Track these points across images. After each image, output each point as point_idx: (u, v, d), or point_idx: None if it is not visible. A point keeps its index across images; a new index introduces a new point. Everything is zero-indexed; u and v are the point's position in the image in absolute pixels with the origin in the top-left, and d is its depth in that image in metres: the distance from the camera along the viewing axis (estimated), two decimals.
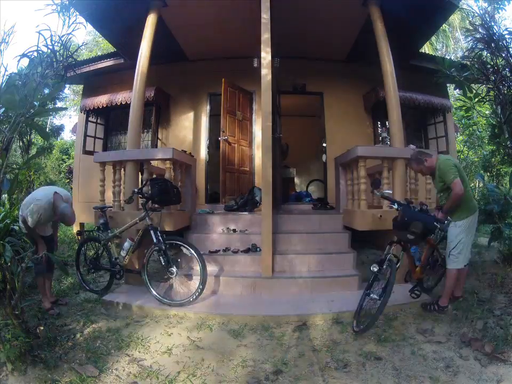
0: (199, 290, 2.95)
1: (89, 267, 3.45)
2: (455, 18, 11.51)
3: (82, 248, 3.56)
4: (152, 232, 3.06)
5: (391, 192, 3.30)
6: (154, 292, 3.01)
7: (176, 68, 5.83)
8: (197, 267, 3.08)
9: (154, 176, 4.10)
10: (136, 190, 3.19)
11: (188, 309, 2.89)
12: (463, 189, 2.74)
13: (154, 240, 3.03)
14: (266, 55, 3.56)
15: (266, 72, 3.53)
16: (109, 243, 3.38)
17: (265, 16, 3.60)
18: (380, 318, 2.75)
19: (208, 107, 5.86)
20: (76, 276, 3.53)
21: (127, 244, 3.23)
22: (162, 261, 3.02)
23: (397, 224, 2.72)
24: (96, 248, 3.51)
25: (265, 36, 3.58)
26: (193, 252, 3.01)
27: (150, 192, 3.22)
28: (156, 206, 3.29)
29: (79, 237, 3.80)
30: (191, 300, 2.93)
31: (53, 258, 2.55)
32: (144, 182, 3.40)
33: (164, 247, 3.00)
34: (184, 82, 5.79)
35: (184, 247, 3.08)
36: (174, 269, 3.02)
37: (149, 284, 3.07)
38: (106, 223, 3.43)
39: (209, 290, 3.31)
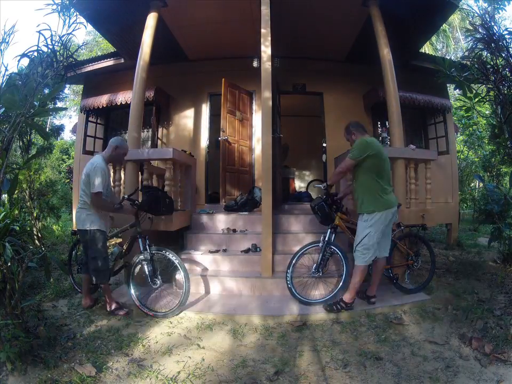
0: (182, 301, 2.85)
1: (78, 268, 3.43)
2: (455, 18, 11.54)
3: (75, 249, 3.54)
4: (140, 240, 2.98)
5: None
6: (137, 303, 2.92)
7: (176, 67, 5.83)
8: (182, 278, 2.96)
9: (154, 176, 4.10)
10: (126, 196, 3.11)
11: (188, 309, 2.89)
12: (347, 167, 2.82)
13: (141, 249, 2.96)
14: (266, 49, 3.57)
15: (266, 67, 3.53)
16: None
17: (265, 12, 3.62)
18: (380, 318, 2.76)
19: (208, 107, 5.86)
20: (69, 276, 3.52)
21: (115, 250, 3.19)
22: (147, 271, 2.93)
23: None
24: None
25: (265, 30, 3.60)
26: (177, 263, 2.93)
27: (140, 200, 3.17)
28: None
29: (74, 236, 3.79)
30: (173, 310, 2.82)
31: (52, 258, 2.54)
32: (135, 189, 3.34)
33: (149, 257, 2.93)
34: (184, 82, 5.79)
35: (171, 257, 2.97)
36: (158, 281, 2.95)
37: (134, 294, 2.94)
38: None
39: (209, 290, 3.32)
